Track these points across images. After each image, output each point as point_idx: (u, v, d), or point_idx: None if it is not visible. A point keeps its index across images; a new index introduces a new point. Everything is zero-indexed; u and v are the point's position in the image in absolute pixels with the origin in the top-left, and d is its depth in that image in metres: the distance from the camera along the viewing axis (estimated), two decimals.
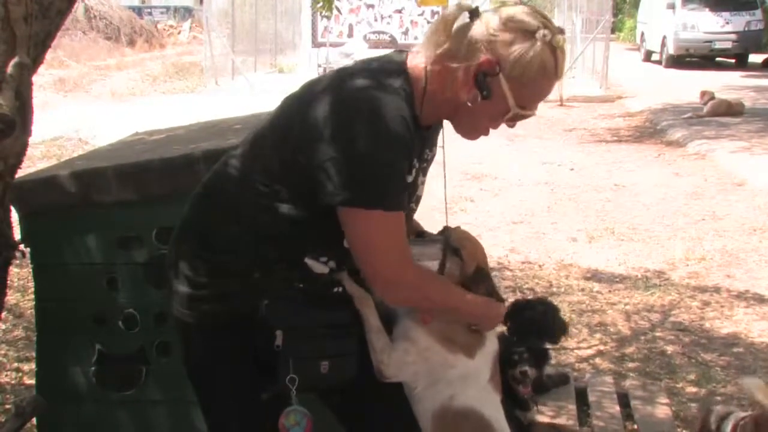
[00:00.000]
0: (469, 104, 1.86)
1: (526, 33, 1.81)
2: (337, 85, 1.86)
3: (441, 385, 2.06)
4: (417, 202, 2.05)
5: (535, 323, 3.43)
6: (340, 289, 1.97)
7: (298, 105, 1.89)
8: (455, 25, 1.86)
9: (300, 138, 1.83)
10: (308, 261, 1.91)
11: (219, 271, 1.92)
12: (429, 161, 2.05)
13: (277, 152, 1.89)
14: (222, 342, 1.95)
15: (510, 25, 1.82)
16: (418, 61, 1.90)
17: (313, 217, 1.86)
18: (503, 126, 1.95)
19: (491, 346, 2.13)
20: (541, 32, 1.80)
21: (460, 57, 1.84)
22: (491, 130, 1.96)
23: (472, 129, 1.95)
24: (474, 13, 1.85)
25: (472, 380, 2.08)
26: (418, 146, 1.92)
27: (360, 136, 1.76)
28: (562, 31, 1.86)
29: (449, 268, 2.06)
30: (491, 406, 2.13)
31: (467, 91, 1.85)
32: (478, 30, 1.83)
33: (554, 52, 1.83)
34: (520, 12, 1.84)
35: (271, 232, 1.89)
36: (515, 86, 1.84)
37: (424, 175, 2.04)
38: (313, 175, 1.79)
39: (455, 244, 2.09)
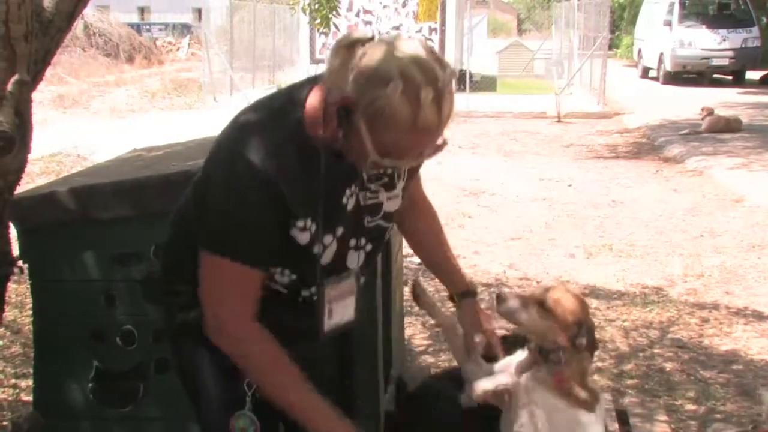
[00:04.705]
0: (335, 142, 1.72)
1: (381, 79, 1.62)
2: (221, 136, 1.86)
3: None
4: (387, 218, 1.98)
5: None
6: (305, 297, 1.93)
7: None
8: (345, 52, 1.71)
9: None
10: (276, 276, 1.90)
11: (191, 282, 1.92)
12: (392, 180, 1.94)
13: None
14: (200, 349, 1.95)
15: (367, 65, 1.65)
16: (317, 93, 1.78)
17: None
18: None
19: (604, 403, 2.23)
20: (392, 84, 1.60)
21: (336, 86, 1.70)
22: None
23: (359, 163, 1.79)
24: (357, 42, 1.69)
25: None
26: (343, 176, 1.83)
27: (215, 195, 1.79)
28: (433, 82, 1.63)
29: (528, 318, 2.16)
30: None
31: (332, 125, 1.71)
32: (354, 61, 1.67)
33: (413, 103, 1.62)
34: (384, 54, 1.65)
35: None
36: (372, 130, 1.65)
37: (389, 189, 1.94)
38: None
39: (548, 303, 2.16)
